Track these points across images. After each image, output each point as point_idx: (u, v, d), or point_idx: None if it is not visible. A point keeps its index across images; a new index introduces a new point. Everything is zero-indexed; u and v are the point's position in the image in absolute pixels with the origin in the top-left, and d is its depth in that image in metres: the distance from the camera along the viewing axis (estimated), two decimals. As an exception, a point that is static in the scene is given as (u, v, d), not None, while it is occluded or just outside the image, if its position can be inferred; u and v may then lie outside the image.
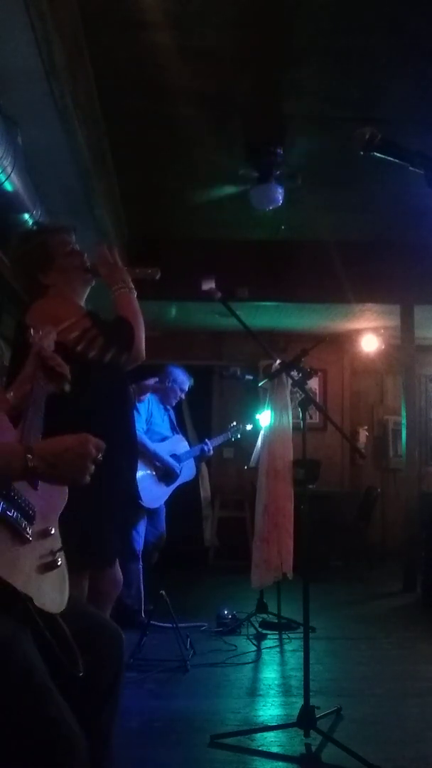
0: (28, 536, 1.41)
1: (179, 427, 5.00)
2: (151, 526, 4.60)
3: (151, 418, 4.64)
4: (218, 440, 5.19)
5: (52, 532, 1.53)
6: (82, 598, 2.29)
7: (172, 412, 4.93)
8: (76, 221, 4.29)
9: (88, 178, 3.96)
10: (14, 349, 2.49)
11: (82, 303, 2.49)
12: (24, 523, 1.41)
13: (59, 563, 1.48)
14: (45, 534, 1.50)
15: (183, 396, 4.91)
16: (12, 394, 1.77)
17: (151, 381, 4.63)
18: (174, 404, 4.93)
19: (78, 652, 1.42)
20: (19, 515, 1.41)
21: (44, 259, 2.39)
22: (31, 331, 1.85)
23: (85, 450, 1.38)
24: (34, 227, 2.55)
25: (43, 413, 1.65)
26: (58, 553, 1.51)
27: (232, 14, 3.31)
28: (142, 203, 5.56)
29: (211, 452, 5.02)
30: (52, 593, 1.45)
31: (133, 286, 2.44)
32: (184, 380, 4.84)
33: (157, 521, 4.67)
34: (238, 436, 5.32)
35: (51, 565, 1.46)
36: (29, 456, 1.33)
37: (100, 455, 1.41)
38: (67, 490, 1.61)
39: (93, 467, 1.39)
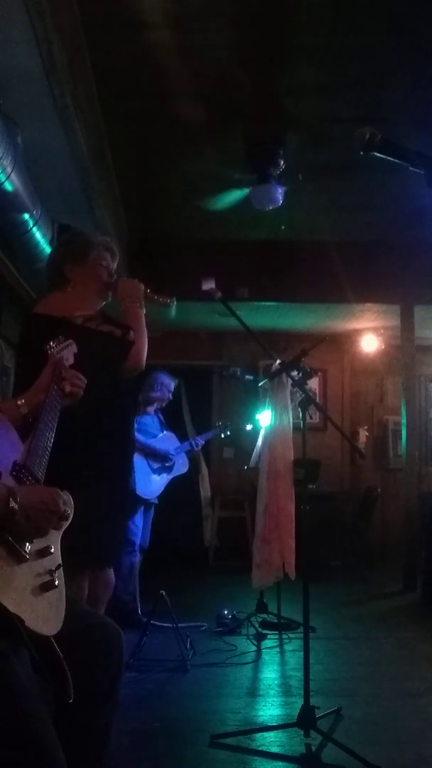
0: (25, 554, 1.36)
1: (178, 427, 5.02)
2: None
3: (141, 419, 4.71)
4: (206, 436, 5.50)
5: (52, 550, 1.47)
6: (82, 598, 2.29)
7: (160, 413, 5.01)
8: (76, 221, 4.33)
9: (88, 178, 3.96)
10: (22, 345, 2.54)
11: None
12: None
13: (57, 583, 1.42)
14: (44, 553, 1.44)
15: (171, 397, 5.00)
16: (23, 401, 1.74)
17: (157, 393, 4.80)
18: (163, 406, 5.01)
19: (69, 677, 1.37)
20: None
21: (79, 256, 2.54)
22: (51, 342, 1.86)
23: (55, 506, 1.42)
24: (89, 234, 2.82)
25: (55, 427, 1.64)
26: (56, 572, 1.45)
27: (232, 14, 3.31)
28: (142, 203, 5.55)
29: (198, 448, 5.27)
30: (47, 615, 1.38)
31: (143, 304, 2.58)
32: (170, 382, 4.92)
33: (145, 529, 4.68)
34: (227, 432, 5.69)
35: (48, 586, 1.40)
36: (12, 499, 1.34)
37: (68, 510, 1.46)
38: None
39: (57, 521, 1.43)
